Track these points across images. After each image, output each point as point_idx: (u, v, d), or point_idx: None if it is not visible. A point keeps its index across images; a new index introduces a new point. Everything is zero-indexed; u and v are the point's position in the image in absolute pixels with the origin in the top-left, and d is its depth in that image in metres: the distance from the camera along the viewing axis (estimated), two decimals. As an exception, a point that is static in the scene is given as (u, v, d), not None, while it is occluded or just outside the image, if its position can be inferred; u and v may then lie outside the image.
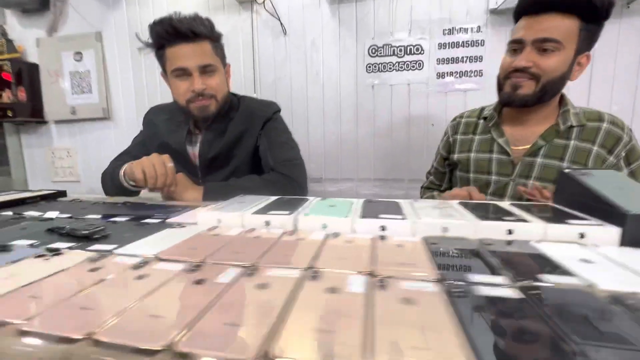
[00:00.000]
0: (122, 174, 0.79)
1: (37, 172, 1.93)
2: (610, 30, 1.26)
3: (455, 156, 0.96)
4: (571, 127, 0.81)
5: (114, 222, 0.59)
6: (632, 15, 1.24)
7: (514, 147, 0.86)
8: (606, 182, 0.51)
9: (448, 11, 1.38)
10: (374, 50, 1.46)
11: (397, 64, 1.45)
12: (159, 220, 0.60)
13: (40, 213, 0.65)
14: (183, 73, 0.83)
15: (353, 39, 1.48)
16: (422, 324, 0.25)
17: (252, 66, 1.58)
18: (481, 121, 0.94)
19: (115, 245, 0.45)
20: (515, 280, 0.32)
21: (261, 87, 1.59)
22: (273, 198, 0.69)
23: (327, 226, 0.51)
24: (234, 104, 0.94)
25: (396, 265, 0.36)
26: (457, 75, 1.41)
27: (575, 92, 1.30)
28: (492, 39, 1.36)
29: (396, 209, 0.56)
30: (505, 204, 0.59)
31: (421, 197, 1.09)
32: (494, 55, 1.36)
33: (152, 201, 0.78)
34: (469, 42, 1.38)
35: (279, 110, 0.98)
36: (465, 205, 0.58)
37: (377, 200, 0.65)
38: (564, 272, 0.34)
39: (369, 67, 1.48)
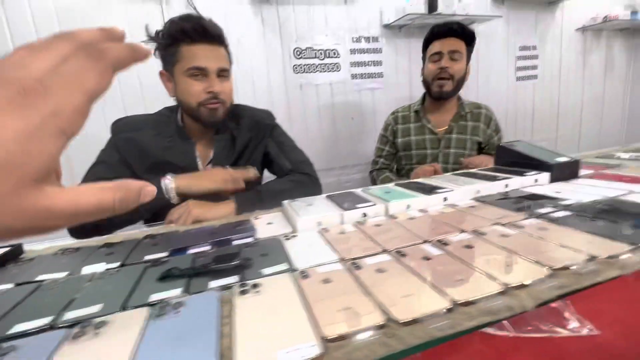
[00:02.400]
0: (172, 191, 0.71)
1: None
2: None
3: (399, 140, 1.33)
4: (466, 112, 1.27)
5: (204, 252, 0.53)
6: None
7: (438, 129, 1.28)
8: (527, 148, 0.87)
9: (354, 22, 1.64)
10: (298, 52, 1.57)
11: (319, 65, 1.62)
12: (249, 238, 0.57)
13: (62, 273, 0.48)
14: (200, 73, 0.80)
15: (278, 40, 1.53)
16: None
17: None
18: (413, 113, 1.32)
19: (284, 265, 0.45)
20: (531, 214, 0.58)
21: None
22: (323, 196, 0.75)
23: (411, 206, 0.65)
24: (234, 112, 0.90)
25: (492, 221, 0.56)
26: (366, 77, 1.71)
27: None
28: (387, 48, 1.72)
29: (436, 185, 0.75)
30: (477, 171, 0.89)
31: (376, 180, 1.34)
32: (389, 61, 1.74)
33: (180, 228, 0.68)
34: (371, 49, 1.70)
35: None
36: (480, 174, 0.83)
37: (408, 181, 0.82)
38: (549, 198, 0.63)
39: (296, 68, 1.58)
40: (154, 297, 0.38)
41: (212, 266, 0.43)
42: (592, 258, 0.39)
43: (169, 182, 0.71)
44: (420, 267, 0.40)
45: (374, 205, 0.64)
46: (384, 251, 0.46)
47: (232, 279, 0.41)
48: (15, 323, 0.36)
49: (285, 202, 0.73)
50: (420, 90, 1.81)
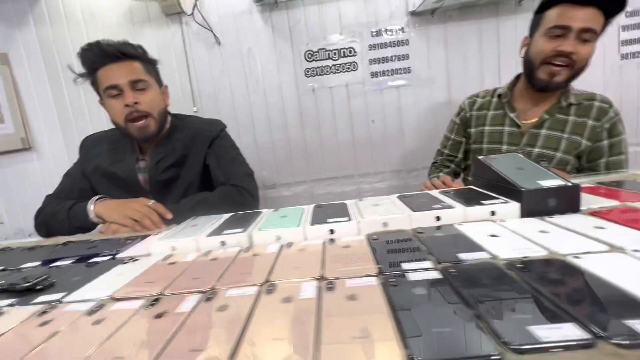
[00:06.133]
0: (92, 214, 0.80)
1: (-56, 219, 1.67)
2: (509, 26, 1.46)
3: (472, 130, 1.08)
4: (570, 104, 0.94)
5: (58, 267, 0.56)
6: (525, 11, 1.45)
7: (523, 121, 0.99)
8: (509, 164, 0.61)
9: (374, 14, 1.48)
10: (310, 55, 1.51)
11: (333, 66, 1.52)
12: (108, 257, 0.58)
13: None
14: (116, 91, 0.85)
15: (288, 45, 1.51)
16: (362, 314, 0.29)
17: (189, 79, 1.53)
18: (495, 99, 1.05)
19: (63, 293, 0.43)
20: (438, 262, 0.39)
21: (201, 100, 1.56)
22: (225, 216, 0.70)
23: (281, 238, 0.54)
24: (176, 125, 0.94)
25: (343, 266, 0.41)
26: (389, 73, 1.52)
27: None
28: (414, 38, 1.49)
29: (343, 211, 0.61)
30: (436, 193, 0.67)
31: (429, 174, 1.19)
32: (419, 53, 1.50)
33: (97, 237, 0.75)
34: (395, 42, 1.49)
35: (224, 128, 0.99)
36: (403, 198, 0.65)
37: (326, 204, 0.69)
38: (477, 248, 0.42)
39: (307, 71, 1.52)
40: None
41: (5, 286, 0.45)
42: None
43: (91, 206, 0.80)
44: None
45: (242, 231, 0.56)
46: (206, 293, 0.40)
47: (5, 302, 0.42)
48: None
49: (188, 220, 0.71)
50: (463, 83, 1.52)
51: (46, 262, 0.59)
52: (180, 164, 0.91)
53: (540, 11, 0.92)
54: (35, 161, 1.62)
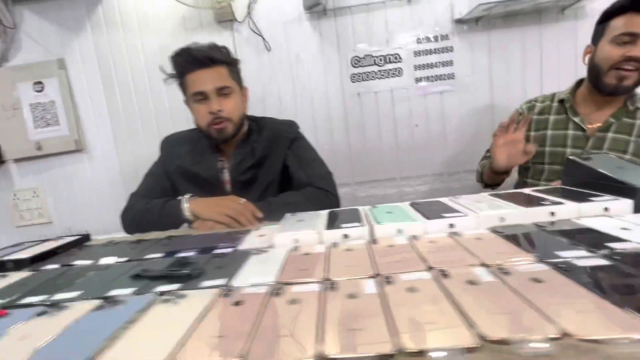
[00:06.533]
0: (187, 211, 0.82)
1: (-5, 218, 1.71)
2: (552, 34, 1.50)
3: (532, 133, 1.11)
4: (637, 109, 0.99)
5: (184, 257, 0.59)
6: (567, 19, 1.49)
7: (588, 125, 1.02)
8: (607, 164, 0.64)
9: (419, 22, 1.52)
10: (356, 61, 1.55)
11: (378, 72, 1.56)
12: (230, 249, 0.61)
13: (90, 261, 0.62)
14: (202, 97, 0.89)
15: (335, 51, 1.56)
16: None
17: (238, 84, 1.58)
18: (555, 104, 1.09)
19: (224, 279, 0.46)
20: (590, 251, 0.41)
21: (250, 105, 1.60)
22: (324, 212, 0.73)
23: (403, 231, 0.57)
24: (253, 126, 0.97)
25: (505, 256, 0.44)
26: (433, 79, 1.56)
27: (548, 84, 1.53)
28: (459, 45, 1.53)
29: (446, 208, 0.64)
30: (529, 191, 0.70)
31: (478, 169, 1.24)
32: (463, 60, 1.54)
33: (196, 233, 0.78)
34: (440, 49, 1.53)
35: (299, 128, 1.03)
36: (513, 197, 0.68)
37: (422, 201, 0.72)
38: (617, 239, 0.44)
39: (353, 77, 1.57)
40: (112, 292, 0.46)
41: (165, 272, 0.48)
42: (564, 336, 0.27)
43: (185, 204, 0.83)
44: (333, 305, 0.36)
45: (360, 226, 0.59)
46: (326, 280, 0.43)
47: (175, 286, 0.46)
48: (28, 296, 0.48)
49: (287, 214, 0.74)
50: (506, 89, 1.55)
51: (169, 253, 0.62)
52: (259, 165, 0.94)
53: (603, 21, 0.96)
54: (86, 162, 1.66)
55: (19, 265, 0.63)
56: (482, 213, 0.57)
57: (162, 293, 0.44)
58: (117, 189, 1.67)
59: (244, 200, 0.81)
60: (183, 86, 0.93)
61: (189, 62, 0.88)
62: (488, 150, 1.24)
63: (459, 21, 1.50)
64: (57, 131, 1.60)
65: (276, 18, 1.54)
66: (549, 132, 1.07)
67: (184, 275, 0.48)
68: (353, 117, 1.60)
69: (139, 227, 0.85)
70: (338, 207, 0.86)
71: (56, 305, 0.43)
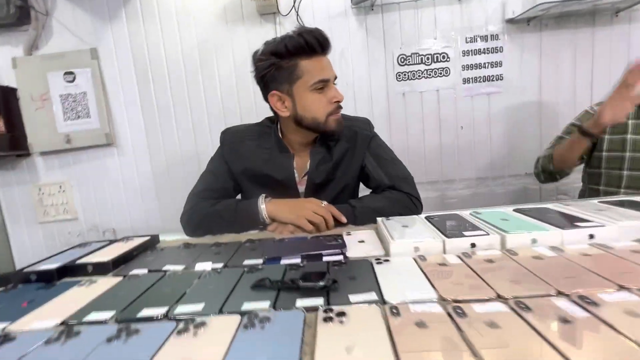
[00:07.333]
0: (264, 213, 0.76)
1: (17, 213, 1.63)
2: (604, 37, 1.46)
3: (606, 137, 1.07)
4: None
5: (296, 264, 0.53)
6: (621, 22, 1.45)
7: None
8: None
9: (469, 20, 1.48)
10: (402, 59, 1.50)
11: (425, 71, 1.51)
12: (339, 256, 0.55)
13: (181, 266, 0.56)
14: (323, 85, 0.81)
15: (381, 48, 1.50)
16: None
17: (278, 79, 1.52)
18: (637, 108, 1.02)
19: (369, 293, 0.41)
20: None
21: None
22: (421, 217, 0.68)
23: (537, 241, 0.52)
24: None
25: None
26: (481, 80, 1.51)
27: (581, 91, 1.49)
28: (509, 46, 1.48)
29: (568, 216, 0.58)
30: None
31: (538, 160, 1.17)
32: (512, 61, 1.49)
33: (278, 236, 0.72)
34: (489, 49, 1.49)
35: (374, 127, 0.97)
36: (633, 205, 0.62)
37: (526, 207, 0.67)
38: None
39: (399, 75, 1.51)
40: (246, 306, 0.40)
41: (300, 283, 0.43)
42: None
43: (262, 205, 0.76)
44: (556, 331, 0.30)
45: (486, 235, 0.53)
46: (499, 297, 0.37)
47: (318, 301, 0.40)
48: (144, 307, 0.42)
49: (380, 219, 0.68)
50: (555, 93, 1.52)
51: (271, 260, 0.56)
52: (339, 164, 0.87)
53: None
54: (116, 157, 1.59)
55: (100, 269, 0.57)
56: (622, 223, 0.52)
57: (308, 309, 0.38)
58: (148, 186, 1.61)
59: (325, 202, 0.75)
60: (292, 73, 0.78)
61: (315, 44, 0.77)
62: (559, 137, 1.18)
63: (510, 21, 1.45)
64: (88, 124, 1.53)
65: (322, 12, 1.48)
66: (629, 137, 1.03)
67: (320, 287, 0.42)
68: (396, 117, 1.55)
69: (207, 230, 0.78)
70: (420, 213, 0.81)
71: (192, 321, 0.37)
